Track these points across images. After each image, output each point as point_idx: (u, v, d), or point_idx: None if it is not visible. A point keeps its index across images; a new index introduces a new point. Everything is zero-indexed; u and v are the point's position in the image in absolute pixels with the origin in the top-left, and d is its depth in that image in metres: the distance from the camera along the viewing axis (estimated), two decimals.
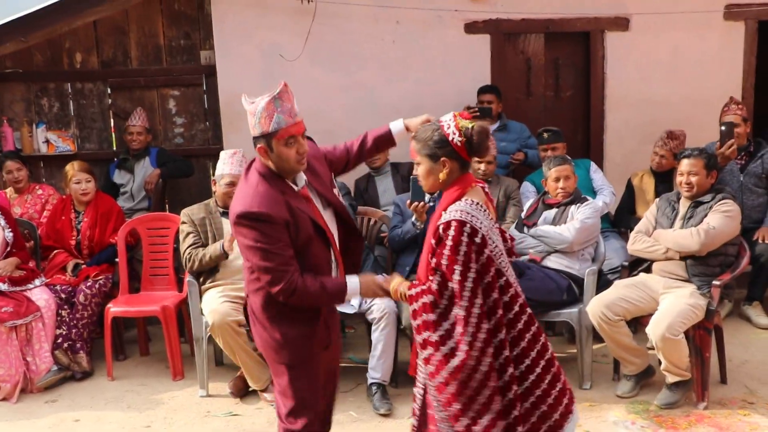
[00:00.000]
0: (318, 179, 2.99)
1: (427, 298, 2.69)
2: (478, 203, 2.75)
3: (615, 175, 6.10)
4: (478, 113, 5.83)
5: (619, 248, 5.26)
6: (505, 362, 2.70)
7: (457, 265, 2.63)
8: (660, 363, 4.25)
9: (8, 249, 5.00)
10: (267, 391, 4.51)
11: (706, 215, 4.37)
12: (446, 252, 2.65)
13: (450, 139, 2.76)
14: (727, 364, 4.56)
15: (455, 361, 2.63)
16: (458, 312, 2.63)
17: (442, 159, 2.78)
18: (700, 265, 4.36)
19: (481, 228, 2.68)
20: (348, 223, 3.10)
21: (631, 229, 4.79)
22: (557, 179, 4.85)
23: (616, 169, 6.38)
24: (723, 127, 5.24)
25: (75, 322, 4.94)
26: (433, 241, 2.72)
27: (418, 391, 2.95)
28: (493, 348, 2.67)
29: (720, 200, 4.38)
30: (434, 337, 2.67)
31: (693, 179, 4.43)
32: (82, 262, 5.25)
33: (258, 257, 2.76)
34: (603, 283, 4.81)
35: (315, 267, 2.88)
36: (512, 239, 3.02)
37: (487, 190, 2.91)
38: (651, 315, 4.24)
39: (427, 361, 2.71)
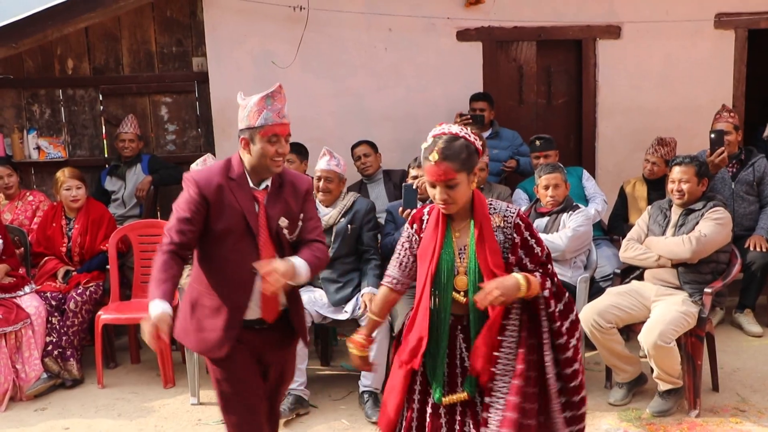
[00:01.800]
0: (276, 198, 2.97)
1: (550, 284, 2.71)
2: None
3: (607, 182, 6.12)
4: (470, 120, 5.85)
5: (611, 256, 5.27)
6: None
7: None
8: (652, 371, 4.25)
9: None
10: None
11: (697, 223, 4.38)
12: (536, 235, 2.76)
13: (477, 146, 2.72)
14: (719, 371, 4.56)
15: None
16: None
17: (475, 168, 2.71)
18: (692, 273, 4.36)
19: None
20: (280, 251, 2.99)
21: (624, 237, 4.79)
22: (546, 187, 4.87)
23: (608, 176, 6.41)
24: (713, 135, 5.26)
25: (65, 329, 4.91)
26: (517, 236, 2.70)
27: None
28: None
29: (711, 208, 4.40)
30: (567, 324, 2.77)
31: (684, 187, 4.44)
32: (73, 269, 5.22)
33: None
34: (595, 290, 4.82)
35: (231, 261, 2.89)
36: None
37: None
38: (643, 322, 4.24)
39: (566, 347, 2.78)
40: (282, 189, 3.00)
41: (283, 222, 2.97)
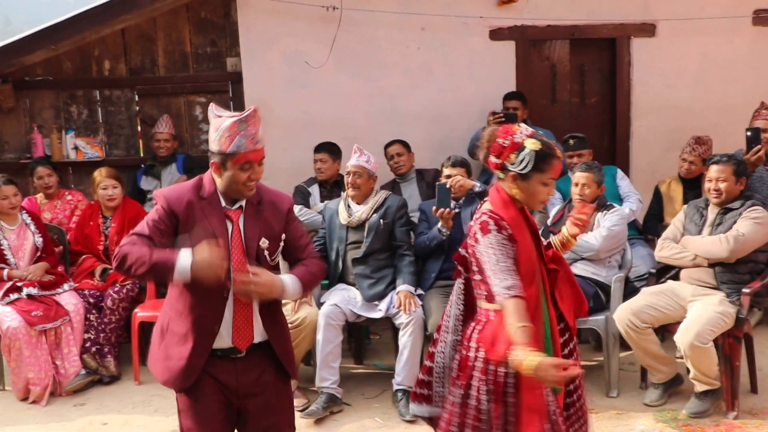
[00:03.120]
0: (255, 218, 2.85)
1: None
2: (478, 208, 2.97)
3: (641, 182, 6.06)
4: (503, 119, 5.82)
5: (646, 255, 5.22)
6: None
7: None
8: (688, 371, 4.21)
9: (38, 254, 5.07)
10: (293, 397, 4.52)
11: (735, 222, 4.32)
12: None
13: None
14: (757, 373, 4.51)
15: None
16: None
17: None
18: (729, 273, 4.31)
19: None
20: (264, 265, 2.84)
21: (659, 236, 4.75)
22: (576, 185, 4.84)
23: (642, 176, 6.34)
24: (749, 133, 5.19)
25: (103, 326, 4.99)
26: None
27: None
28: None
29: (749, 207, 4.34)
30: None
31: (721, 185, 4.39)
32: (110, 267, 5.30)
33: None
34: (630, 290, 4.78)
35: (198, 286, 2.68)
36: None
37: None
38: (679, 323, 4.20)
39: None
40: (261, 207, 2.86)
41: (264, 243, 2.83)
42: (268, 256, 2.85)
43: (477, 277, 2.79)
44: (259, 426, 2.89)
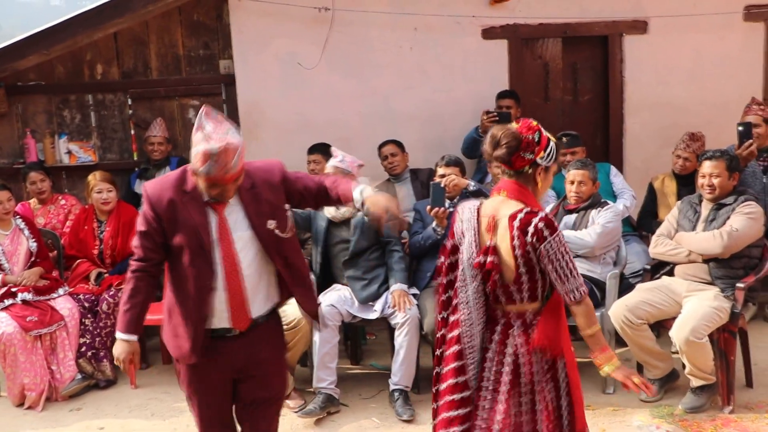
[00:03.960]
0: (255, 203, 2.94)
1: None
2: (474, 208, 2.82)
3: (635, 178, 6.06)
4: (497, 118, 5.83)
5: (640, 252, 5.23)
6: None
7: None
8: (684, 367, 4.22)
9: (32, 259, 5.06)
10: (289, 398, 4.53)
11: (728, 217, 4.34)
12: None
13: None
14: (752, 367, 4.52)
15: None
16: None
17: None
18: (724, 268, 4.32)
19: (458, 222, 2.85)
20: (274, 251, 2.97)
21: (653, 233, 4.76)
22: (572, 182, 4.85)
23: (636, 173, 6.35)
24: (740, 128, 5.20)
25: (98, 330, 4.98)
26: None
27: None
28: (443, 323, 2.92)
29: (743, 202, 4.35)
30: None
31: (715, 181, 4.40)
32: (105, 271, 5.29)
33: None
34: (625, 286, 4.78)
35: (188, 278, 2.88)
36: (488, 265, 2.76)
37: (517, 216, 2.71)
38: (674, 318, 4.21)
39: None
40: (256, 190, 2.94)
41: (271, 224, 2.93)
42: (279, 233, 2.95)
43: (524, 278, 2.70)
44: (250, 398, 3.07)
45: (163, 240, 2.90)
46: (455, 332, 2.81)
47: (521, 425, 2.73)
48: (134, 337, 2.97)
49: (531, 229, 2.64)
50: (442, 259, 2.91)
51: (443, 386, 2.85)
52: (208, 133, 2.76)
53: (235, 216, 2.92)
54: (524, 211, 2.68)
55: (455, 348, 2.81)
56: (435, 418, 2.92)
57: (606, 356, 2.73)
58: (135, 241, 2.94)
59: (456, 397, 2.79)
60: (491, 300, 2.80)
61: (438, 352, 2.93)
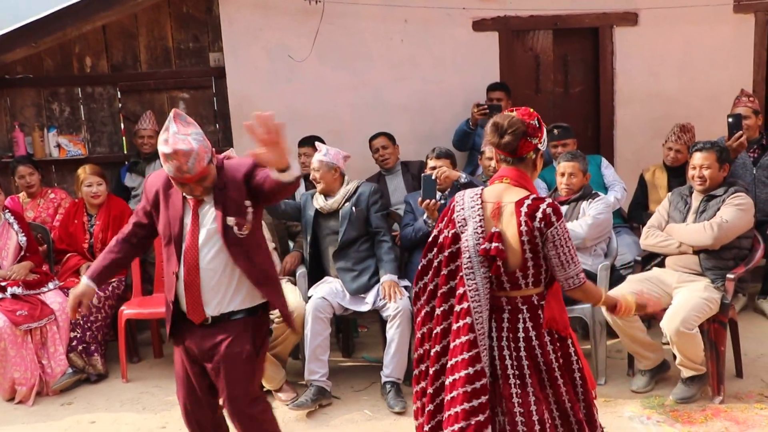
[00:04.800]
0: (223, 201, 3.06)
1: None
2: (478, 195, 2.85)
3: (626, 170, 6.08)
4: (487, 110, 5.83)
5: (631, 243, 5.25)
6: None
7: (438, 224, 2.95)
8: (675, 357, 4.24)
9: (22, 253, 5.03)
10: (281, 390, 4.53)
11: (719, 209, 4.35)
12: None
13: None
14: (742, 357, 4.54)
15: None
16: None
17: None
18: (714, 259, 4.34)
19: (458, 210, 2.86)
20: (236, 249, 3.07)
21: (644, 224, 4.77)
22: (563, 174, 4.86)
23: (627, 164, 6.37)
24: (730, 119, 5.22)
25: (89, 324, 4.96)
26: None
27: None
28: (436, 318, 2.90)
29: (733, 193, 4.36)
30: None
31: (705, 173, 4.41)
32: None
33: None
34: (616, 278, 4.79)
35: (164, 262, 3.19)
36: (494, 251, 2.76)
37: (524, 203, 2.76)
38: (665, 309, 4.22)
39: None
40: (225, 191, 3.06)
41: (230, 221, 3.04)
42: (236, 231, 3.05)
43: (530, 263, 2.76)
44: (221, 393, 3.20)
45: (149, 222, 3.23)
46: (465, 321, 2.77)
47: (549, 403, 2.81)
48: (93, 284, 3.20)
49: (539, 215, 2.71)
50: (434, 251, 2.91)
51: (454, 378, 2.79)
52: (168, 136, 2.91)
53: (207, 212, 3.08)
54: (531, 197, 2.76)
55: (468, 337, 2.77)
56: (434, 415, 2.89)
57: (625, 304, 3.00)
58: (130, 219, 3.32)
59: (477, 385, 2.76)
60: (495, 287, 2.82)
61: (426, 346, 2.93)
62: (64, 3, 5.97)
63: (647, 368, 4.44)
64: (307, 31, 6.16)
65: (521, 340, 2.80)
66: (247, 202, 3.06)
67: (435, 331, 2.90)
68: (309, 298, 4.60)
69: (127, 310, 4.98)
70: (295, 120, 6.19)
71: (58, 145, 6.32)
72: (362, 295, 4.62)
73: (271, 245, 4.84)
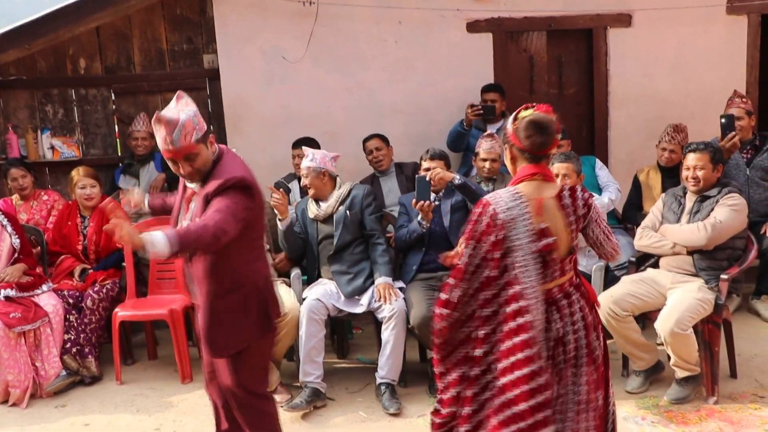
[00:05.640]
0: (199, 201, 3.09)
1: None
2: (519, 194, 2.83)
3: (620, 171, 6.10)
4: (481, 111, 5.84)
5: (625, 244, 5.24)
6: (477, 341, 2.87)
7: (472, 239, 2.81)
8: (669, 358, 4.24)
9: (15, 255, 5.01)
10: (275, 392, 4.51)
11: (712, 209, 4.36)
12: (468, 225, 2.85)
13: (507, 126, 2.93)
14: (736, 358, 4.54)
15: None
16: (459, 267, 2.84)
17: (505, 145, 2.98)
18: (708, 260, 4.35)
19: (501, 213, 2.78)
20: None
21: (638, 225, 4.78)
22: (556, 175, 4.85)
23: (621, 165, 6.38)
24: (723, 120, 5.24)
25: (83, 326, 4.95)
26: None
27: None
28: (479, 321, 2.85)
29: (726, 194, 4.37)
30: (443, 296, 2.88)
31: (699, 173, 4.42)
32: (89, 266, 5.26)
33: None
34: (610, 279, 4.81)
35: None
36: (553, 245, 2.83)
37: (571, 194, 2.91)
38: (659, 310, 4.23)
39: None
40: (205, 190, 3.07)
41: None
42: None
43: (574, 250, 2.96)
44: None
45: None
46: (523, 319, 2.77)
47: (599, 385, 2.95)
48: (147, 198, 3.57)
49: (581, 202, 2.91)
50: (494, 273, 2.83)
51: (509, 378, 2.77)
52: (165, 109, 3.02)
53: (192, 206, 3.15)
54: (566, 188, 2.92)
55: (526, 336, 2.76)
56: (492, 417, 2.82)
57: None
58: None
59: (540, 381, 2.76)
60: (547, 280, 2.85)
61: (479, 351, 2.83)
62: (58, 5, 5.95)
63: (642, 369, 4.44)
64: (301, 32, 6.16)
65: (580, 320, 2.89)
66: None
67: (478, 334, 2.86)
68: (303, 299, 4.60)
69: (122, 312, 4.97)
70: (289, 121, 6.21)
71: (52, 147, 6.30)
72: (357, 297, 4.62)
73: (265, 247, 4.83)
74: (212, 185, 3.01)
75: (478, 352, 2.85)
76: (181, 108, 3.00)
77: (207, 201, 3.01)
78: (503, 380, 2.79)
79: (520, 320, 2.78)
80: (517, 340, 2.78)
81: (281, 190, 4.88)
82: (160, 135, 2.98)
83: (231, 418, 3.37)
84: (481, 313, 2.84)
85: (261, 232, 3.27)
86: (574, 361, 2.88)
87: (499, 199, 2.82)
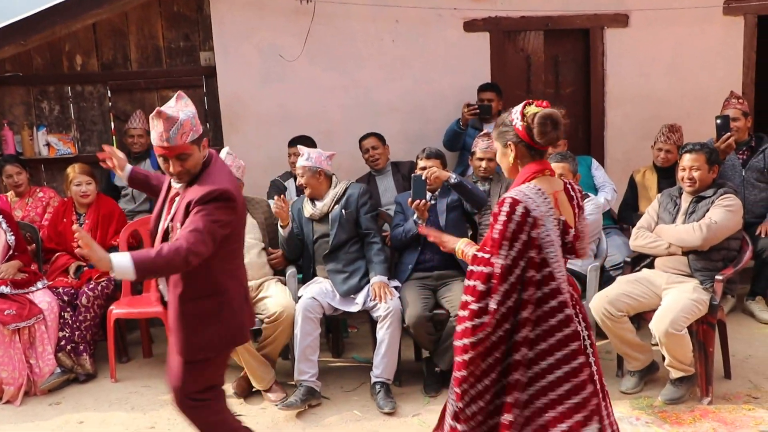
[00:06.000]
0: (180, 206, 3.05)
1: (486, 269, 2.76)
2: (540, 190, 2.81)
3: (616, 171, 6.10)
4: (478, 111, 5.84)
5: (621, 244, 5.26)
6: (515, 345, 2.78)
7: (504, 239, 2.74)
8: (664, 358, 4.25)
9: (10, 252, 5.00)
10: (271, 391, 4.52)
11: (708, 210, 4.36)
12: (498, 226, 2.76)
13: (513, 123, 2.86)
14: (731, 359, 4.55)
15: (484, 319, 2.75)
16: (495, 271, 2.74)
17: (509, 143, 2.90)
18: (703, 260, 4.35)
19: (533, 210, 2.75)
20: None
21: (634, 225, 4.78)
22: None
23: (617, 165, 6.39)
24: (719, 121, 5.24)
25: (78, 324, 4.94)
26: (492, 219, 2.83)
27: None
28: (510, 324, 2.77)
29: (722, 195, 4.38)
30: (474, 306, 2.77)
31: (695, 174, 4.42)
32: (85, 264, 5.24)
33: None
34: (605, 279, 4.81)
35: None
36: (576, 237, 2.93)
37: (572, 186, 3.00)
38: (654, 310, 4.23)
39: (459, 321, 2.83)
40: (187, 194, 3.03)
41: (169, 227, 3.08)
42: (172, 237, 3.06)
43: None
44: None
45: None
46: (561, 315, 2.79)
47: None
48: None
49: (578, 194, 3.00)
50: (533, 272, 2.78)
51: (557, 375, 2.77)
52: (165, 106, 3.01)
53: (174, 206, 3.11)
54: (567, 182, 3.00)
55: (569, 330, 2.79)
56: (538, 418, 2.78)
57: None
58: None
59: (584, 376, 2.80)
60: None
61: (519, 356, 2.77)
62: (54, 1, 5.93)
63: (636, 369, 4.45)
64: (298, 30, 6.15)
65: (580, 313, 2.94)
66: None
67: (516, 337, 2.80)
68: (299, 298, 4.60)
69: (117, 310, 4.96)
70: (285, 120, 6.20)
71: (48, 144, 6.29)
72: (352, 296, 4.62)
73: (260, 245, 4.84)
74: (196, 192, 2.96)
75: (518, 356, 2.77)
76: (181, 108, 2.99)
77: (188, 208, 2.97)
78: (550, 378, 2.78)
79: (561, 316, 2.80)
80: (560, 335, 2.79)
81: (283, 196, 4.87)
82: (157, 130, 2.96)
83: None
84: (521, 316, 2.77)
85: (241, 243, 3.22)
86: (592, 351, 2.95)
87: (526, 197, 2.77)
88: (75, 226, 2.88)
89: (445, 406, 3.06)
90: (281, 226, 4.80)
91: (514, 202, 2.75)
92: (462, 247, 3.08)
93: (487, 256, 2.78)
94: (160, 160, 3.06)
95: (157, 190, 3.42)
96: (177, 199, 3.11)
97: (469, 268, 2.84)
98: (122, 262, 2.75)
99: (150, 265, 2.81)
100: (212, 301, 3.07)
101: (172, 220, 3.08)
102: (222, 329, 3.10)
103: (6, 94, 6.33)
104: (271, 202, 5.29)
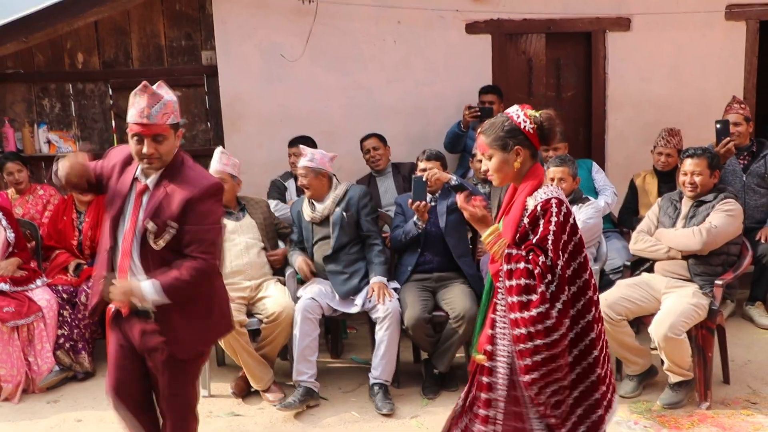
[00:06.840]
0: (160, 200, 2.90)
1: (527, 265, 2.68)
2: (559, 187, 2.87)
3: (617, 175, 6.09)
4: (479, 113, 5.83)
5: (621, 248, 5.26)
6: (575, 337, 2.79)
7: (555, 237, 2.68)
8: (663, 363, 4.24)
9: (10, 249, 4.99)
10: (269, 391, 4.52)
11: (708, 214, 4.36)
12: (552, 227, 2.69)
13: (522, 127, 2.80)
14: (729, 364, 4.55)
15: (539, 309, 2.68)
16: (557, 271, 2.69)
17: (516, 147, 2.81)
18: (703, 265, 4.35)
19: (569, 212, 2.76)
20: (147, 250, 2.92)
21: (634, 230, 4.78)
22: (552, 179, 4.85)
23: (618, 169, 6.38)
24: (718, 125, 5.24)
25: (77, 322, 4.94)
26: (527, 221, 2.74)
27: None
28: (569, 320, 2.74)
29: (722, 199, 4.38)
30: (542, 308, 2.68)
31: (697, 179, 4.42)
32: (84, 262, 5.24)
33: None
34: (605, 283, 4.81)
35: (103, 235, 3.05)
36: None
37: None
38: (653, 315, 4.23)
39: (514, 323, 2.72)
40: (167, 188, 2.90)
41: (150, 225, 2.87)
42: (152, 240, 2.89)
43: None
44: (161, 388, 3.06)
45: (97, 180, 3.07)
46: (596, 309, 2.82)
47: None
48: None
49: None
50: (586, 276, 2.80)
51: (605, 370, 2.86)
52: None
53: (146, 202, 2.93)
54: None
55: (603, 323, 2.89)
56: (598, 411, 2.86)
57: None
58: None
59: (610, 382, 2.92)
60: None
61: (565, 378, 2.77)
62: None
63: (635, 373, 4.45)
64: (300, 30, 6.15)
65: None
66: (174, 224, 2.88)
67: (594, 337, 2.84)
68: (298, 299, 4.59)
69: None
70: (286, 120, 6.20)
71: (49, 141, 6.29)
72: (352, 297, 4.62)
73: (260, 245, 4.83)
74: (192, 187, 2.88)
75: (569, 358, 2.76)
76: (165, 92, 2.93)
77: (185, 205, 2.85)
78: (599, 371, 2.82)
79: (598, 309, 2.85)
80: (601, 326, 2.85)
81: (311, 266, 4.79)
82: (137, 106, 2.84)
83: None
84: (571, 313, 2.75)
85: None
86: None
87: (558, 194, 2.77)
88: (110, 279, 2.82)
89: (457, 417, 3.00)
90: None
91: (559, 201, 2.74)
92: (495, 241, 2.83)
93: (549, 263, 2.67)
94: (132, 141, 2.89)
95: (96, 184, 3.10)
96: (146, 193, 2.94)
97: (509, 267, 2.73)
98: (150, 290, 2.80)
99: (174, 289, 2.82)
100: (204, 292, 3.02)
101: (152, 217, 2.88)
102: (214, 320, 3.09)
103: (7, 91, 6.32)
104: (271, 202, 5.29)
